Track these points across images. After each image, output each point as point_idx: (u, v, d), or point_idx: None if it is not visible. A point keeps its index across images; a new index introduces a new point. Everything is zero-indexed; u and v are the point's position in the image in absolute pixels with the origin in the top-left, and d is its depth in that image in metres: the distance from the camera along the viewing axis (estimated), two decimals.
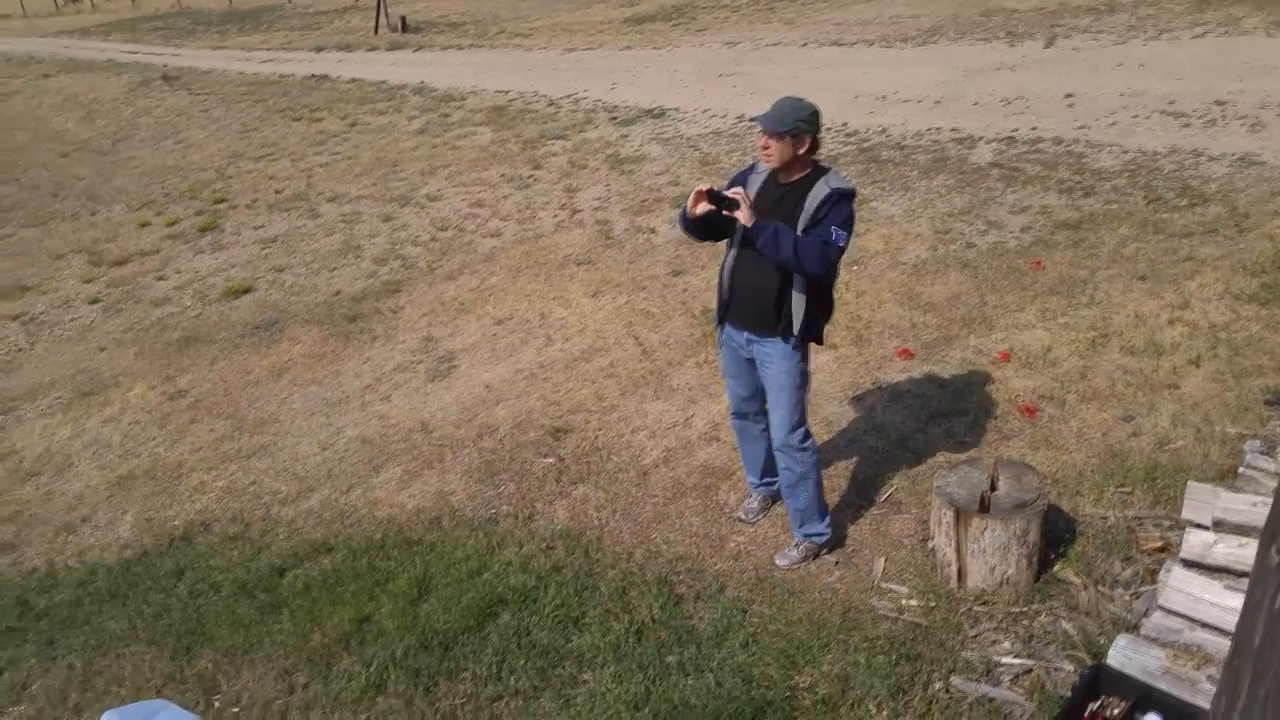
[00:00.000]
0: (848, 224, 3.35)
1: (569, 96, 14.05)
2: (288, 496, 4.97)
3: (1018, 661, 3.25)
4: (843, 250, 3.35)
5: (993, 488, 3.58)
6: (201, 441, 5.69)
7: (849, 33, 16.96)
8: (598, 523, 4.33)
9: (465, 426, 5.42)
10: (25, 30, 38.05)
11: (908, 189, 8.40)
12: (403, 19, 23.60)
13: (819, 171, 3.44)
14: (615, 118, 12.43)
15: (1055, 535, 3.75)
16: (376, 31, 23.57)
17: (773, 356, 3.61)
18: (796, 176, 3.42)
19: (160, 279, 8.63)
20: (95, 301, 8.26)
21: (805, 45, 16.40)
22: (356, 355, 6.57)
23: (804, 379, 3.65)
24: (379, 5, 24.06)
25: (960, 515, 3.46)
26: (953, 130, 10.04)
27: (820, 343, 3.74)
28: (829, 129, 10.03)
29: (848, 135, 10.22)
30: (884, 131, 10.29)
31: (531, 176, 10.25)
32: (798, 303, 3.47)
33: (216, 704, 3.54)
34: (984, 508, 3.47)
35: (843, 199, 3.35)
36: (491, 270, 7.81)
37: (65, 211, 11.16)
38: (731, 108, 12.20)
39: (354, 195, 10.32)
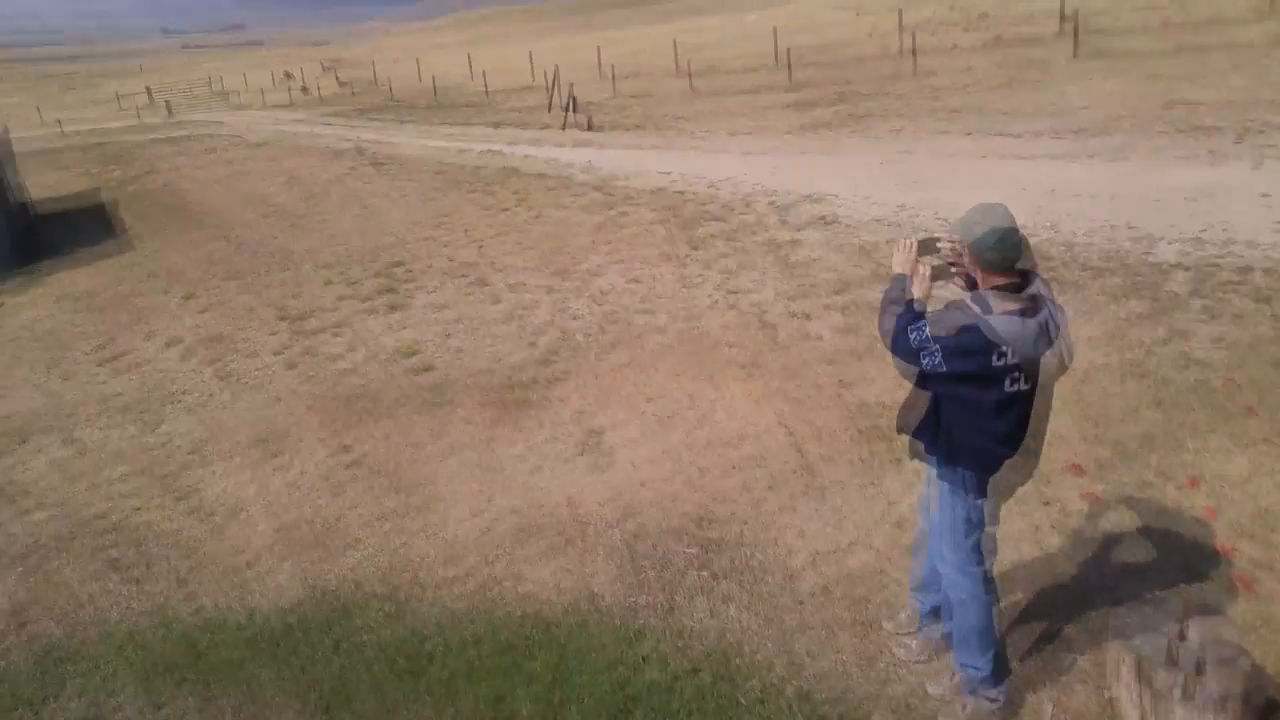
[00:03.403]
0: (942, 347, 3.01)
1: (729, 179, 14.27)
2: (435, 562, 5.08)
3: None
4: (919, 351, 3.05)
5: (1182, 637, 3.24)
6: (361, 499, 5.93)
7: (1016, 123, 16.53)
8: (739, 625, 4.19)
9: (610, 506, 5.42)
10: (261, 119, 42.09)
11: (1077, 290, 7.97)
12: (589, 117, 24.56)
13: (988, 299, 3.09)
14: (775, 203, 12.49)
15: (1270, 701, 3.32)
16: (564, 126, 24.61)
17: (930, 475, 3.45)
18: None
19: (337, 335, 9.18)
20: (278, 354, 8.86)
21: (970, 134, 16.09)
22: (512, 425, 6.73)
23: (965, 521, 3.34)
24: (567, 103, 25.19)
25: (1143, 666, 3.14)
26: (1130, 228, 9.52)
27: (977, 471, 3.30)
28: None
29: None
30: (1053, 227, 9.87)
31: (690, 258, 10.39)
32: (929, 402, 3.28)
33: None
34: (1173, 659, 3.14)
35: (964, 331, 3.00)
36: (645, 349, 7.89)
37: (261, 268, 12.12)
38: (893, 197, 12.06)
39: (521, 267, 10.74)
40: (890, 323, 3.21)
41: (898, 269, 3.37)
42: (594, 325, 8.63)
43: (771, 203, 12.48)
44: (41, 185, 23.47)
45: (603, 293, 9.50)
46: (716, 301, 8.88)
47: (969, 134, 16.13)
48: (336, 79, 55.76)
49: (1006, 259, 3.06)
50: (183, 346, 9.49)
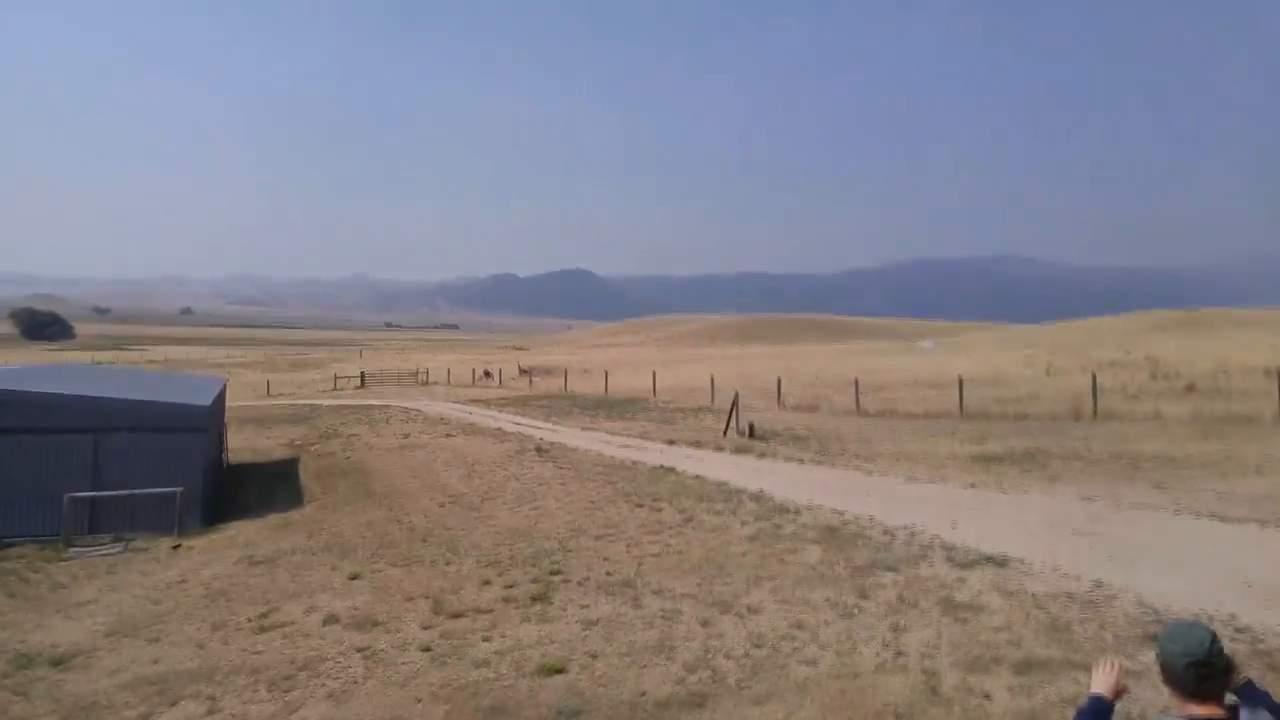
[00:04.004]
0: None
1: (905, 526, 13.75)
2: None
3: None
4: None
5: None
6: None
7: (1235, 506, 15.26)
8: None
9: None
10: (445, 395, 46.00)
11: None
12: (750, 425, 25.37)
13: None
14: (953, 558, 11.83)
15: None
16: (725, 434, 25.43)
17: None
18: None
19: (485, 639, 9.05)
20: (426, 649, 8.78)
21: (1178, 513, 14.97)
22: None
23: None
24: (731, 411, 26.22)
25: None
26: None
27: None
28: (1213, 621, 8.73)
29: (1238, 631, 8.64)
30: None
31: (857, 606, 9.81)
32: None
33: None
34: None
35: None
36: (801, 702, 7.27)
37: (426, 557, 12.44)
38: (1086, 570, 11.13)
39: (678, 591, 10.46)
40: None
41: (1097, 689, 3.17)
42: (749, 667, 8.10)
43: (949, 558, 11.82)
44: (243, 444, 25.93)
45: (761, 633, 9.00)
46: (884, 660, 8.19)
47: (1177, 509, 15.02)
48: (526, 376, 60.79)
49: (1197, 689, 2.88)
50: (339, 626, 9.62)
